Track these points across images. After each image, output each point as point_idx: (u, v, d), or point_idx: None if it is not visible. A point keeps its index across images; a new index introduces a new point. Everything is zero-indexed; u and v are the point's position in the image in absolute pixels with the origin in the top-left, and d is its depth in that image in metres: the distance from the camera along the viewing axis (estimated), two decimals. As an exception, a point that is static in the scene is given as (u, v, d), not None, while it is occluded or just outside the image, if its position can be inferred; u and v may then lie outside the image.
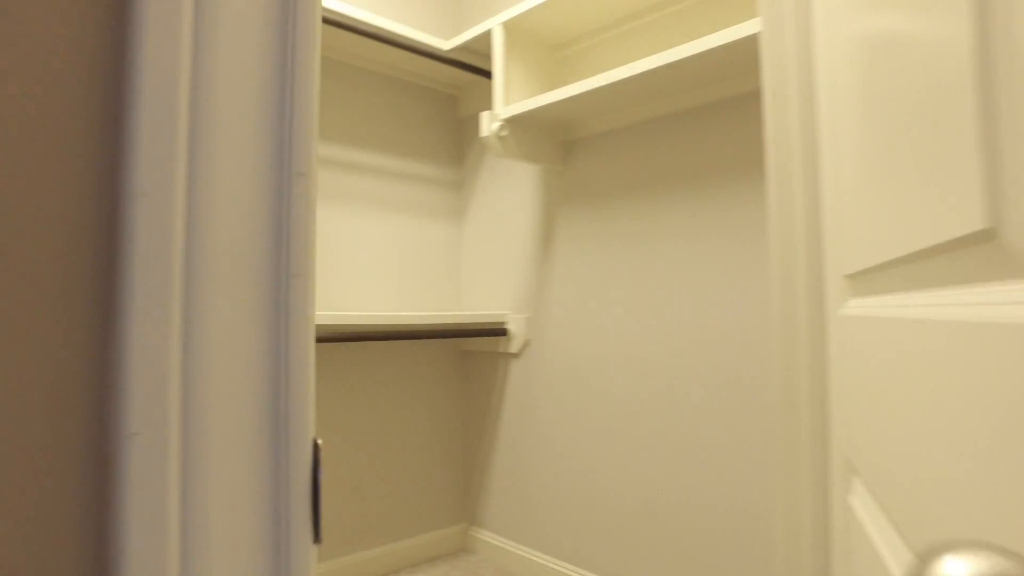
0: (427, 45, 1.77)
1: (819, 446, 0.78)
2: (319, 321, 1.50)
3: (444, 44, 1.82)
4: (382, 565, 1.81)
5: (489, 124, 1.59)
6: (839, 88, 0.62)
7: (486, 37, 1.77)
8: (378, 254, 1.89)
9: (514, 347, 1.82)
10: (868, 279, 0.53)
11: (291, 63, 0.37)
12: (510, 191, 1.91)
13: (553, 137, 1.73)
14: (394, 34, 1.70)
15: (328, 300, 1.77)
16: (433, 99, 2.06)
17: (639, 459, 1.51)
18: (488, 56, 1.89)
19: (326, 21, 1.54)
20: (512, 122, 1.63)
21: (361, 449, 1.80)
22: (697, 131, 1.44)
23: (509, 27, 1.67)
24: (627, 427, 1.54)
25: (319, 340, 1.49)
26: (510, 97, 1.67)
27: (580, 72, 1.74)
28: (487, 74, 1.86)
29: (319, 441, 0.35)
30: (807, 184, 0.83)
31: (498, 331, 1.82)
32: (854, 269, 0.58)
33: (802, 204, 0.84)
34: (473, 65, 1.84)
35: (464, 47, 1.84)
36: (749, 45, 1.18)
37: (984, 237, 0.27)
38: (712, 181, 1.41)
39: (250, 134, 0.35)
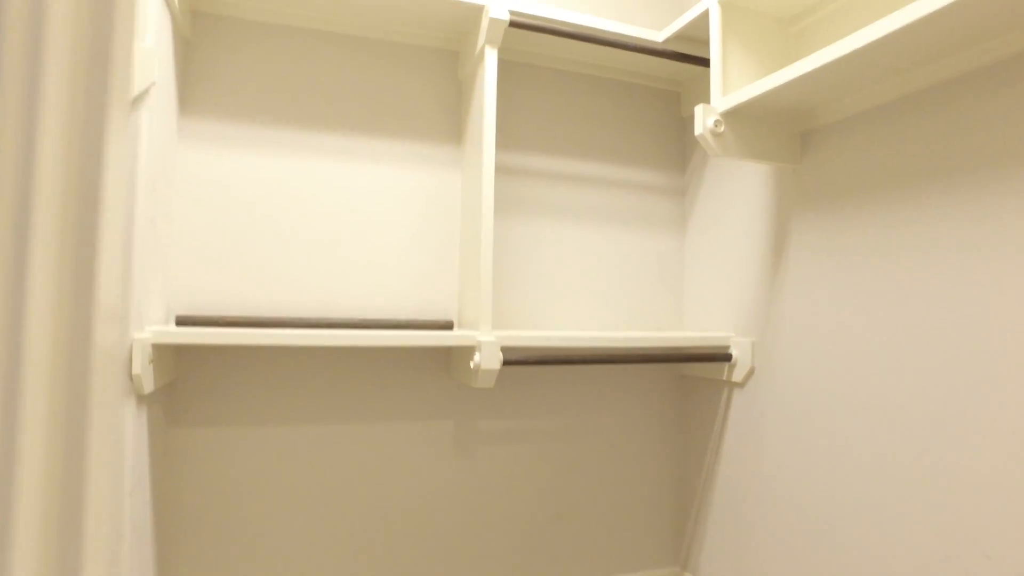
0: (637, 39, 1.62)
1: None
2: (522, 343, 1.44)
3: (657, 35, 1.65)
4: (589, 597, 1.71)
5: (703, 119, 1.39)
6: None
7: (704, 21, 1.56)
8: (592, 270, 1.78)
9: (737, 375, 1.58)
10: None
11: None
12: (736, 195, 1.67)
13: (784, 128, 1.46)
14: (598, 31, 1.57)
15: (536, 319, 1.71)
16: (652, 98, 1.89)
17: (890, 532, 1.19)
18: (709, 43, 1.67)
19: (522, 26, 1.47)
20: (733, 115, 1.40)
21: (564, 475, 1.72)
22: (994, 99, 1.09)
23: (727, 3, 1.45)
24: (876, 487, 1.23)
25: (523, 363, 1.43)
26: (731, 85, 1.44)
27: (818, 47, 1.45)
28: (709, 63, 1.64)
29: None
30: None
31: (721, 356, 1.60)
32: None
33: None
34: (693, 55, 1.64)
35: (681, 36, 1.65)
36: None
37: None
38: (1013, 171, 1.05)
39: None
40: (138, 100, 1.14)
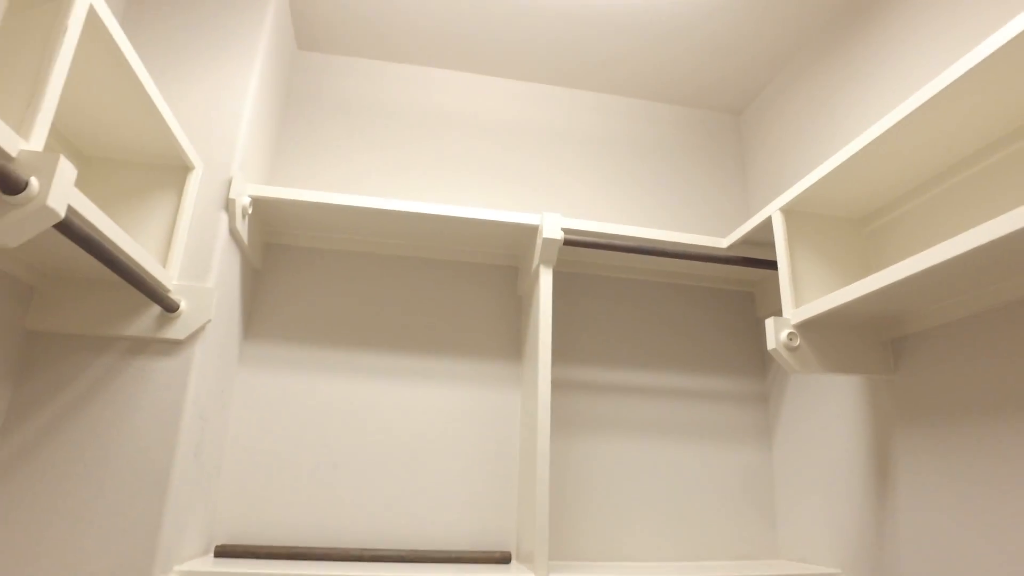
0: (698, 247, 1.57)
1: None
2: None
3: (721, 241, 1.60)
4: None
5: (776, 333, 1.27)
6: None
7: (769, 225, 1.50)
8: (669, 488, 1.60)
9: (851, 628, 1.31)
10: None
11: None
12: (826, 404, 1.50)
13: (871, 336, 1.32)
14: (656, 242, 1.54)
15: (606, 548, 1.53)
16: (723, 300, 1.81)
17: None
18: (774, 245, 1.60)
19: (577, 244, 1.46)
20: (809, 326, 1.29)
21: None
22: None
23: (790, 212, 1.39)
24: None
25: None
26: (803, 294, 1.34)
27: (897, 247, 1.34)
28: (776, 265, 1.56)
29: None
30: None
31: (826, 599, 1.34)
32: None
33: None
34: (761, 259, 1.57)
35: (747, 240, 1.59)
36: None
37: None
38: None
39: None
40: (193, 336, 1.17)
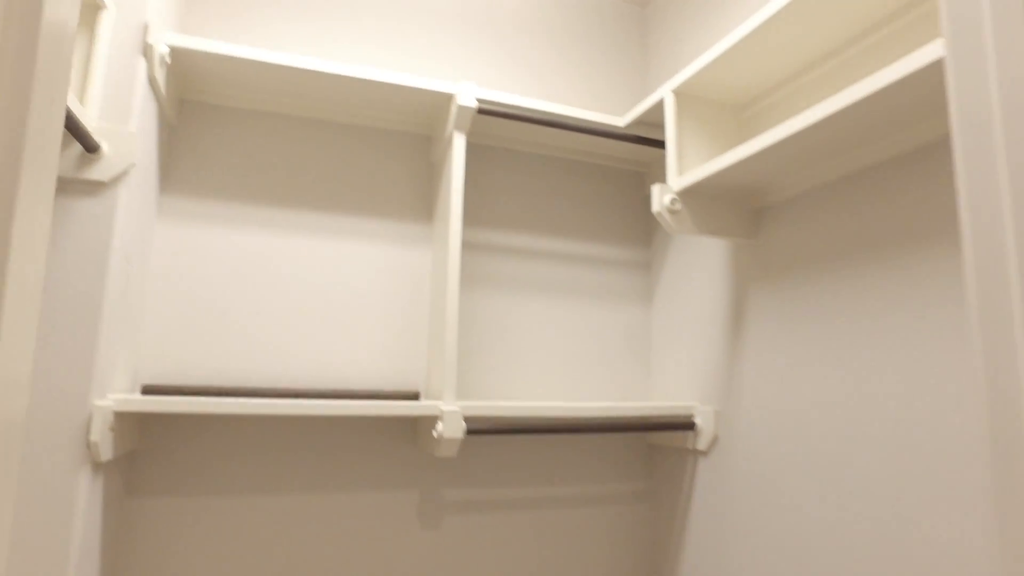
0: (600, 124, 1.72)
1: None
2: (485, 412, 1.45)
3: (620, 120, 1.75)
4: None
5: (660, 197, 1.46)
6: None
7: (662, 108, 1.66)
8: (561, 342, 1.82)
9: (702, 443, 1.59)
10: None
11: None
12: (699, 269, 1.73)
13: (738, 206, 1.54)
14: (563, 117, 1.67)
15: (504, 392, 1.73)
16: (618, 178, 1.98)
17: (857, 601, 1.18)
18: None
19: (489, 113, 1.57)
20: (688, 193, 1.48)
21: (533, 546, 1.69)
22: (920, 179, 1.16)
23: (681, 93, 1.55)
24: (836, 556, 1.22)
25: (486, 432, 1.44)
26: (686, 167, 1.53)
27: (766, 129, 1.54)
28: (667, 146, 1.74)
29: None
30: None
31: (684, 424, 1.62)
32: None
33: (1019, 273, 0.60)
34: (653, 139, 1.74)
35: (642, 121, 1.75)
36: (933, 76, 0.92)
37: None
38: (934, 243, 1.11)
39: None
40: (117, 179, 1.20)
